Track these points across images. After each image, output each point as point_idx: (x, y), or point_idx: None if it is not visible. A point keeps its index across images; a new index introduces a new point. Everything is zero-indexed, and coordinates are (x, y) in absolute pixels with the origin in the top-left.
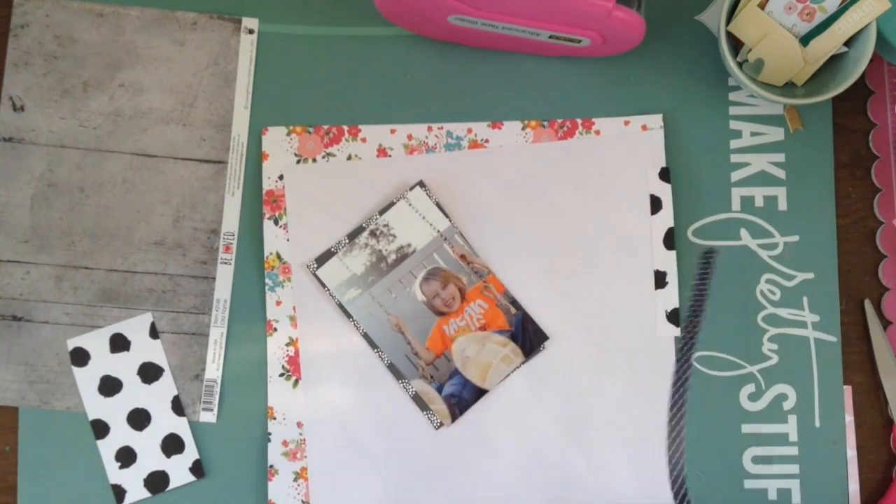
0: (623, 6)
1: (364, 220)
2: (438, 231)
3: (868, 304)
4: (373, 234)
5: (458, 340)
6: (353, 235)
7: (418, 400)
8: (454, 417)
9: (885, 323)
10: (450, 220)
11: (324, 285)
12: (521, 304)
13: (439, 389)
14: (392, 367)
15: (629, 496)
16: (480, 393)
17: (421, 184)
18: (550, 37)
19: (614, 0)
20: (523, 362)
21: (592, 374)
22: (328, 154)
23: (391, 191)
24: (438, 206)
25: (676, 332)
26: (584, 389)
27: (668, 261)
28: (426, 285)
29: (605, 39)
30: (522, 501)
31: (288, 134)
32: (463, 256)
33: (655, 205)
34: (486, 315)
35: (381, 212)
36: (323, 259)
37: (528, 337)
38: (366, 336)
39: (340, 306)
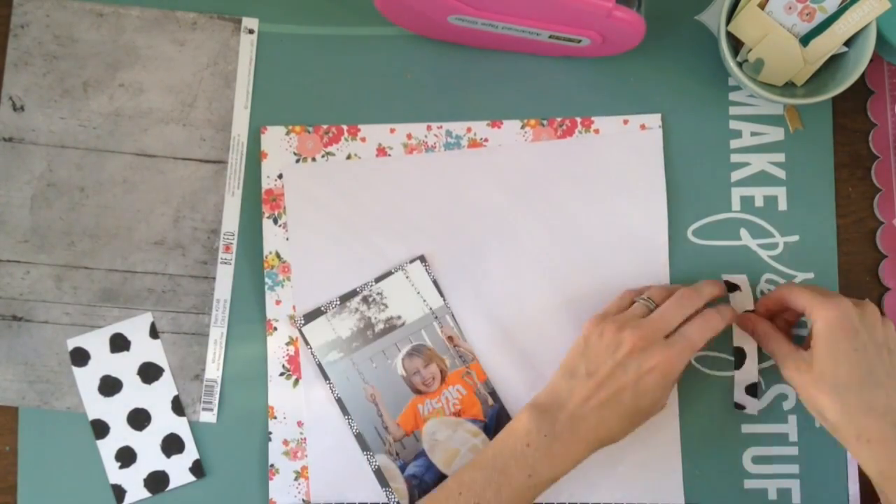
0: (623, 6)
1: (359, 286)
2: (431, 308)
3: None
4: (365, 300)
5: (431, 422)
6: (346, 298)
7: (379, 475)
8: (412, 500)
9: None
10: (444, 300)
11: (307, 343)
12: (500, 396)
13: (402, 468)
14: (359, 437)
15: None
16: (443, 478)
17: (422, 258)
18: (550, 37)
19: (614, 0)
20: None
21: None
22: (327, 153)
23: (390, 190)
24: (435, 283)
25: (756, 403)
26: None
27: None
28: (408, 360)
29: (605, 39)
30: None
31: (287, 133)
32: (451, 338)
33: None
34: (463, 402)
35: (378, 279)
36: (311, 317)
37: (500, 430)
38: (339, 401)
39: (319, 367)
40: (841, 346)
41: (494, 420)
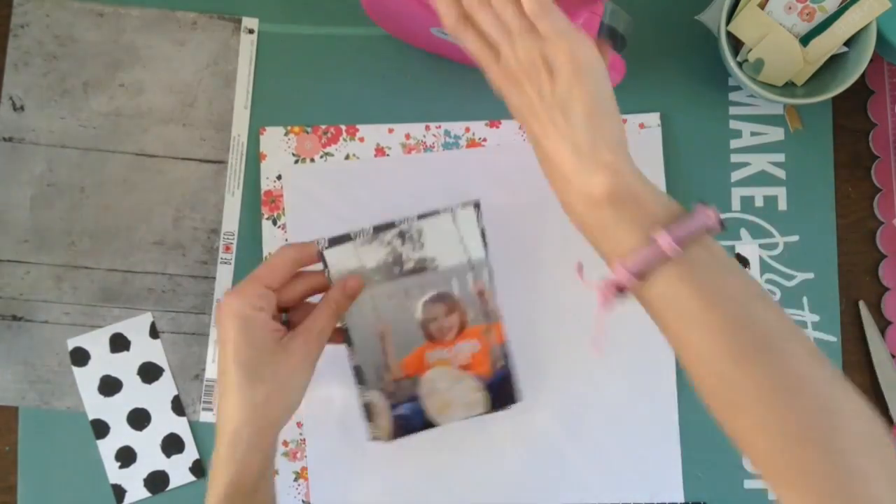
0: (605, 43)
1: (399, 219)
2: (469, 258)
3: (863, 306)
4: (401, 234)
5: (435, 370)
6: (381, 230)
7: (367, 409)
8: (394, 436)
9: (886, 323)
10: (486, 252)
11: (325, 266)
12: (512, 359)
13: (393, 407)
14: (357, 370)
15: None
16: (428, 424)
17: (476, 204)
18: None
19: (594, 37)
20: (485, 412)
21: (592, 374)
22: (326, 154)
23: (389, 190)
24: (483, 233)
25: None
26: (584, 390)
27: None
28: (430, 306)
29: None
30: (524, 501)
31: (286, 134)
32: (482, 293)
33: None
34: (474, 358)
35: (421, 217)
36: (337, 241)
37: (502, 393)
38: (345, 332)
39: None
40: None
41: (499, 381)
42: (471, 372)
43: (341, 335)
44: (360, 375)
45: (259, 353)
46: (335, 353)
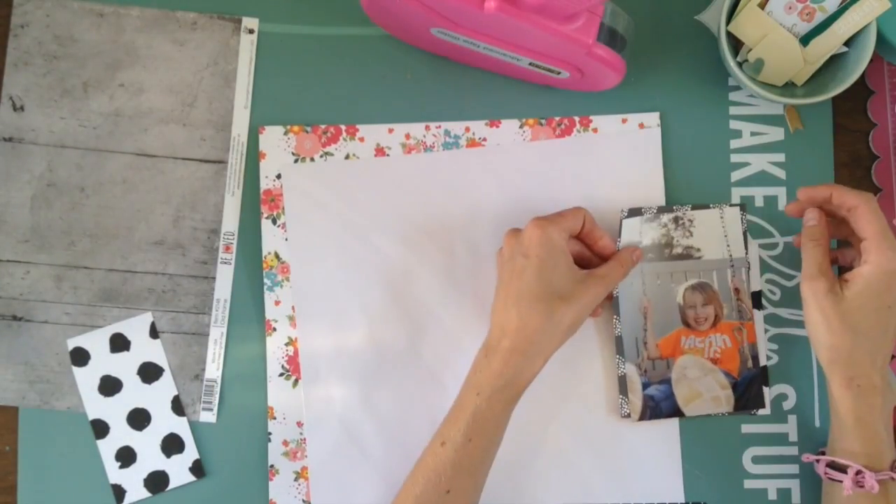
0: (603, 45)
1: (676, 206)
2: (731, 255)
3: None
4: (676, 220)
5: (687, 356)
6: (663, 211)
7: (622, 382)
8: (642, 417)
9: None
10: (746, 253)
11: (619, 233)
12: (760, 363)
13: (644, 385)
14: (618, 340)
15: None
16: (676, 413)
17: (742, 207)
18: (531, 64)
19: (594, 38)
20: (728, 413)
21: (592, 374)
22: (326, 153)
23: (389, 190)
24: (745, 234)
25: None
26: (585, 389)
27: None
28: (690, 293)
29: (585, 74)
30: (525, 501)
31: (285, 133)
32: (737, 290)
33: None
34: (724, 353)
35: (694, 207)
36: (633, 213)
37: (748, 395)
38: (616, 300)
39: None
40: (882, 299)
41: (746, 383)
42: (720, 366)
43: (609, 300)
44: (620, 346)
45: (560, 276)
46: (336, 353)
